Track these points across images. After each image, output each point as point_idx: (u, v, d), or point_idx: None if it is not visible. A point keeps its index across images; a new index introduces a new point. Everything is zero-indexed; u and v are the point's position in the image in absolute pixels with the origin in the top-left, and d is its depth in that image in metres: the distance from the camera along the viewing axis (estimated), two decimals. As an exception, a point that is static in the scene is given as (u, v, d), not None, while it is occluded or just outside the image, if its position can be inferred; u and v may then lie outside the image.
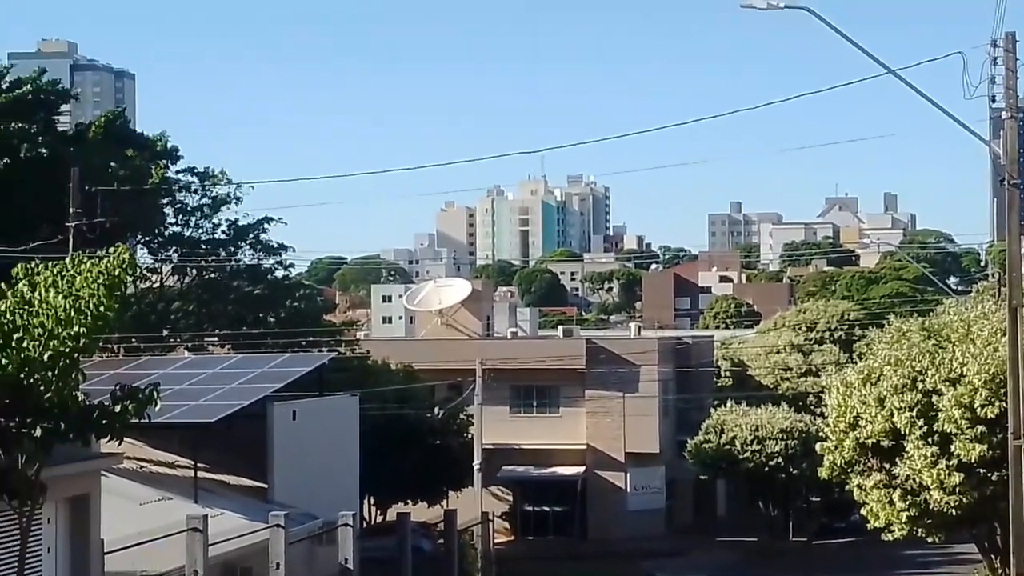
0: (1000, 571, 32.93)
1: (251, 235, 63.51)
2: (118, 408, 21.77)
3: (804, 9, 26.71)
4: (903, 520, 31.22)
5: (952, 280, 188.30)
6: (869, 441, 31.35)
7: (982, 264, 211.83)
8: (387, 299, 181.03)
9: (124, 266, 21.56)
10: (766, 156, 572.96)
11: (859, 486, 32.19)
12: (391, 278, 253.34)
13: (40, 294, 21.05)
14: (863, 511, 32.65)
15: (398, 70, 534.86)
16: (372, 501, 59.09)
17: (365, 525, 53.69)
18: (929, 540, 33.05)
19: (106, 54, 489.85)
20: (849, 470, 32.40)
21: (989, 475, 29.95)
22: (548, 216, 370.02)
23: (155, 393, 21.95)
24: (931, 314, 38.21)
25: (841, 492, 62.40)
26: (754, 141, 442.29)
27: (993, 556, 33.66)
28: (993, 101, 27.12)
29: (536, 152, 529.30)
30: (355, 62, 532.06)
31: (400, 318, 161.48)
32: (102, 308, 21.07)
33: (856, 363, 45.08)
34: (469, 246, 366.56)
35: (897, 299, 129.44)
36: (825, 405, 34.18)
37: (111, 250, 21.96)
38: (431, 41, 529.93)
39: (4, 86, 56.46)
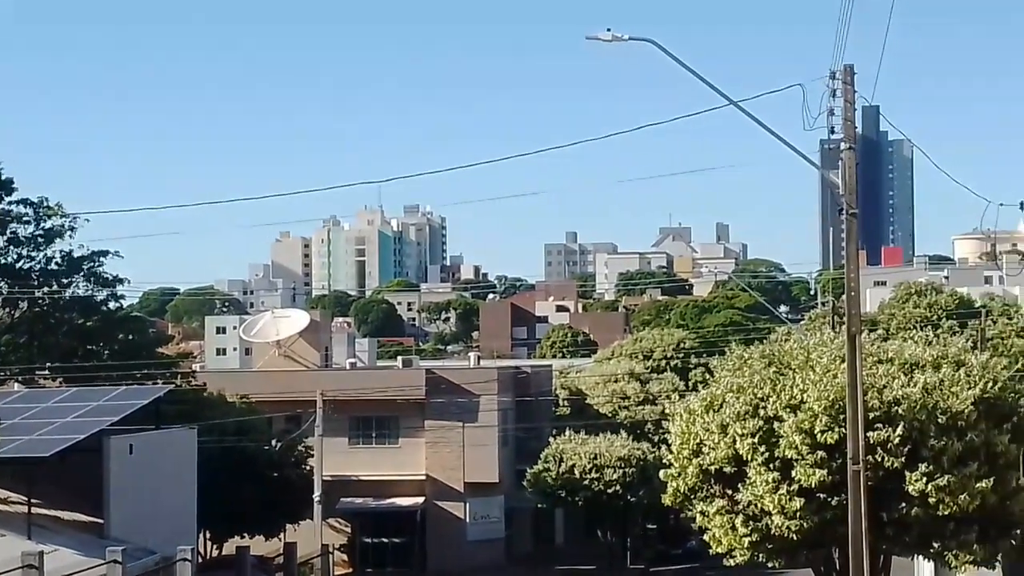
0: (837, 595, 33.38)
1: (85, 267, 62.39)
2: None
3: (648, 41, 26.90)
4: (745, 545, 31.46)
5: (783, 309, 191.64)
6: (712, 467, 31.57)
7: (812, 293, 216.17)
8: (221, 330, 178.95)
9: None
10: (603, 187, 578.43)
11: (702, 512, 32.39)
12: (225, 309, 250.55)
13: None
14: (705, 537, 32.86)
15: (234, 97, 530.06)
16: (209, 535, 58.11)
17: (202, 559, 52.82)
18: (770, 565, 33.34)
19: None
20: (692, 496, 32.59)
21: (829, 500, 30.31)
22: (385, 246, 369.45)
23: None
24: (766, 341, 38.63)
25: (678, 519, 63.27)
26: (592, 172, 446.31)
27: (829, 580, 34.08)
28: (832, 132, 27.56)
29: (373, 183, 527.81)
30: (190, 91, 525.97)
31: (235, 349, 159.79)
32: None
33: (693, 391, 45.56)
34: (305, 277, 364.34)
35: (730, 327, 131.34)
36: (666, 432, 34.37)
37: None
38: (267, 70, 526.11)
39: None
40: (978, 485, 30.27)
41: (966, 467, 30.34)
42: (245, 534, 57.40)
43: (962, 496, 30.07)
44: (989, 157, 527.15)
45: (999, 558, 32.98)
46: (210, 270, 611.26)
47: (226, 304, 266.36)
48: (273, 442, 62.14)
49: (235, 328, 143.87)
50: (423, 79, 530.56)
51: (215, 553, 58.72)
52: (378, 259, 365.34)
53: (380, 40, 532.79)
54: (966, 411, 30.72)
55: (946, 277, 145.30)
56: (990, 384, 31.67)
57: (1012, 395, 33.06)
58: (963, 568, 32.71)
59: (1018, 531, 32.95)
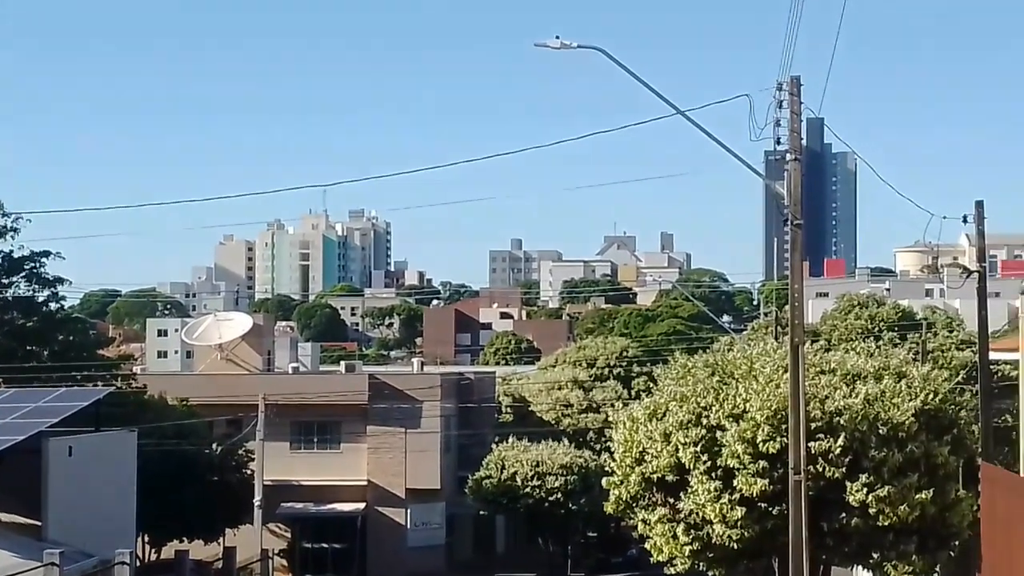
0: (777, 605, 33.47)
1: (27, 267, 61.88)
2: None
3: (597, 49, 26.92)
4: (686, 554, 31.50)
5: (726, 318, 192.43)
6: (655, 476, 31.59)
7: (755, 303, 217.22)
8: (163, 333, 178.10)
9: None
10: (549, 194, 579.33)
11: (644, 520, 32.40)
12: (167, 312, 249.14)
13: None
14: (647, 545, 32.87)
15: (179, 97, 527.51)
16: (148, 538, 57.75)
17: (141, 563, 52.46)
18: (710, 574, 33.38)
19: None
20: (634, 504, 32.60)
21: (770, 509, 30.40)
22: (329, 251, 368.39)
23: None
24: (709, 351, 38.74)
25: (619, 527, 63.34)
26: (538, 179, 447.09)
27: (769, 590, 34.20)
28: (778, 143, 27.66)
29: (318, 187, 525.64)
30: (135, 90, 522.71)
31: (176, 352, 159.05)
32: None
33: (636, 399, 45.64)
34: (248, 280, 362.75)
35: (673, 336, 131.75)
36: (609, 440, 34.38)
37: None
38: (212, 70, 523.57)
39: None
40: (918, 496, 30.44)
41: (906, 478, 30.51)
42: (184, 538, 57.09)
43: (902, 507, 30.23)
44: (933, 170, 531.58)
45: (937, 569, 33.22)
46: (152, 272, 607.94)
47: (168, 307, 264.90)
48: (214, 446, 61.83)
49: (177, 331, 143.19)
50: (370, 83, 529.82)
51: (154, 557, 58.37)
52: (322, 263, 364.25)
53: (328, 43, 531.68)
54: (907, 422, 30.90)
55: (888, 289, 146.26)
56: (931, 396, 31.88)
57: (952, 407, 33.28)
58: (902, 578, 32.89)
59: (956, 542, 33.16)
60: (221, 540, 59.74)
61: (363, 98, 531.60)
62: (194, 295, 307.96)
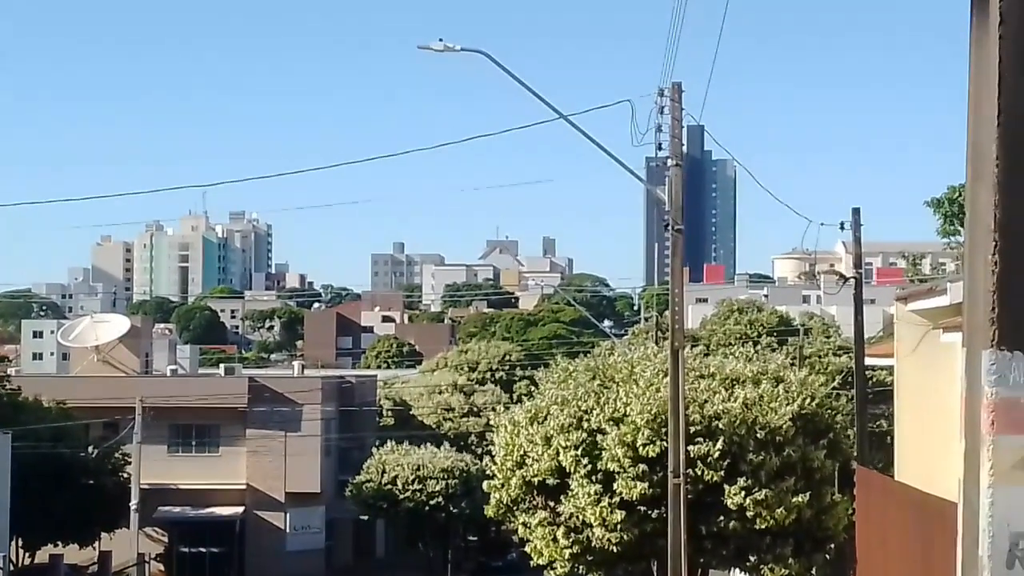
0: (655, 607, 33.69)
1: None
2: None
3: (480, 52, 26.93)
4: (566, 557, 31.58)
5: (607, 323, 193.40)
6: (535, 479, 31.64)
7: (636, 308, 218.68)
8: (38, 335, 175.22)
9: None
10: (431, 197, 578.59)
11: (524, 524, 32.45)
12: (42, 313, 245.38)
13: None
14: (527, 548, 32.92)
15: (63, 98, 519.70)
16: (21, 542, 56.78)
17: (14, 567, 51.57)
18: (590, 577, 33.52)
19: None
20: (515, 508, 32.63)
21: (649, 512, 30.56)
22: (209, 253, 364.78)
23: None
24: (590, 355, 38.87)
25: (499, 531, 63.41)
26: (420, 182, 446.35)
27: (647, 593, 34.41)
28: (659, 149, 27.87)
29: (198, 187, 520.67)
30: (21, 90, 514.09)
31: (52, 355, 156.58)
32: None
33: (517, 403, 45.71)
34: (126, 282, 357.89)
35: (555, 340, 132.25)
36: (490, 444, 34.39)
37: None
38: (92, 69, 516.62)
39: None
40: (794, 499, 30.78)
41: (783, 481, 30.84)
42: (59, 542, 56.26)
43: (779, 510, 30.54)
44: (810, 178, 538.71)
45: (813, 571, 33.57)
46: (28, 273, 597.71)
47: (44, 308, 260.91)
48: (90, 449, 60.98)
49: (53, 332, 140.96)
50: (249, 84, 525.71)
51: (28, 561, 57.43)
52: (202, 265, 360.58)
53: (209, 43, 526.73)
54: (784, 427, 31.24)
55: (766, 296, 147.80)
56: (808, 400, 32.27)
57: (828, 412, 33.74)
58: (778, 581, 33.20)
59: (832, 545, 33.60)
60: (97, 544, 58.94)
61: (242, 97, 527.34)
62: (70, 296, 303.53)
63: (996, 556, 5.74)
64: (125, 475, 61.14)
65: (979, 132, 5.89)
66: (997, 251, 5.79)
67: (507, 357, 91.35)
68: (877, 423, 45.48)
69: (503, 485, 32.44)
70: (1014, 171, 5.79)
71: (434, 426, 78.40)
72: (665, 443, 29.35)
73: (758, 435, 31.03)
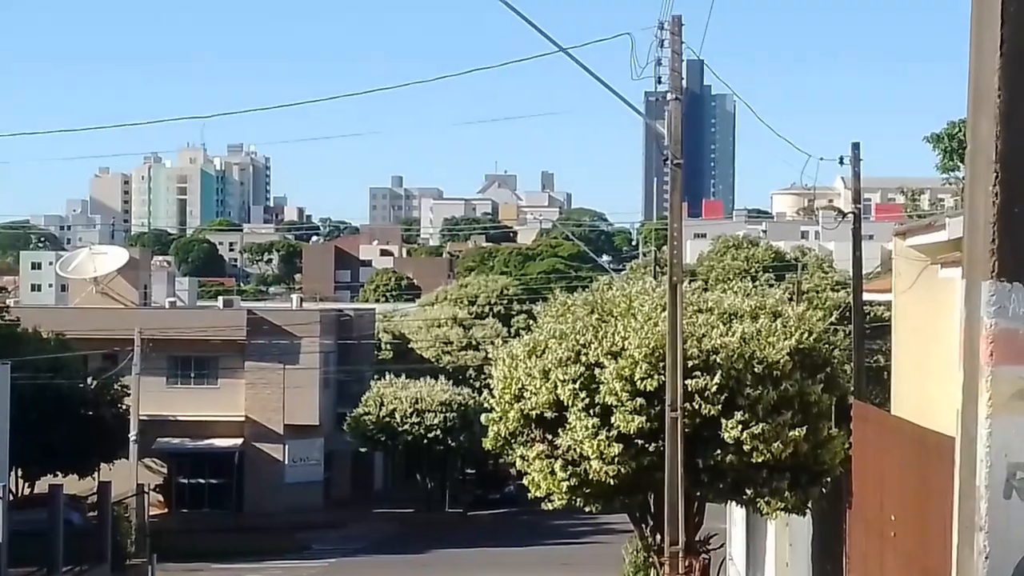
0: (650, 540, 33.82)
1: None
2: None
3: (480, -18, 26.76)
4: (564, 490, 31.61)
5: (606, 258, 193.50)
6: (533, 413, 31.60)
7: (634, 243, 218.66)
8: (37, 266, 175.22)
9: None
10: (430, 131, 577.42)
11: (522, 456, 32.46)
12: (41, 244, 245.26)
13: None
14: (525, 481, 32.98)
15: (57, 32, 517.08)
16: (21, 473, 57.06)
17: (14, 497, 51.80)
18: (587, 509, 33.57)
19: None
20: (513, 441, 32.63)
21: (647, 446, 30.58)
22: (207, 185, 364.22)
23: None
24: (588, 289, 38.83)
25: (496, 464, 63.71)
26: (419, 116, 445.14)
27: (643, 526, 34.49)
28: (659, 83, 27.75)
29: (196, 119, 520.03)
30: (18, 24, 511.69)
31: (51, 286, 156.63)
32: None
33: (516, 337, 45.73)
34: (124, 214, 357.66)
35: (553, 275, 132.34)
36: (488, 378, 34.41)
37: None
38: (89, 4, 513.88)
39: None
40: (791, 433, 30.80)
41: (780, 416, 30.85)
42: (58, 473, 56.48)
43: (775, 444, 30.57)
44: (811, 114, 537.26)
45: (809, 505, 33.66)
46: (26, 204, 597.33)
47: (42, 239, 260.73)
48: (88, 380, 61.15)
49: (51, 264, 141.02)
50: (249, 17, 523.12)
51: (27, 491, 57.70)
52: (200, 198, 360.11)
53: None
54: (782, 361, 31.21)
55: (764, 231, 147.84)
56: (805, 335, 32.23)
57: (826, 346, 33.71)
58: (774, 515, 33.27)
59: (828, 479, 33.70)
60: (96, 475, 59.20)
61: (243, 29, 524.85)
62: (69, 228, 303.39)
63: (993, 486, 5.77)
64: (124, 406, 61.34)
65: (981, 63, 5.87)
66: (998, 182, 5.78)
67: (505, 291, 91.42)
68: (874, 358, 45.60)
69: (501, 418, 32.44)
70: (1016, 102, 5.77)
71: (432, 360, 78.62)
72: (663, 377, 29.36)
73: (756, 369, 31.01)
